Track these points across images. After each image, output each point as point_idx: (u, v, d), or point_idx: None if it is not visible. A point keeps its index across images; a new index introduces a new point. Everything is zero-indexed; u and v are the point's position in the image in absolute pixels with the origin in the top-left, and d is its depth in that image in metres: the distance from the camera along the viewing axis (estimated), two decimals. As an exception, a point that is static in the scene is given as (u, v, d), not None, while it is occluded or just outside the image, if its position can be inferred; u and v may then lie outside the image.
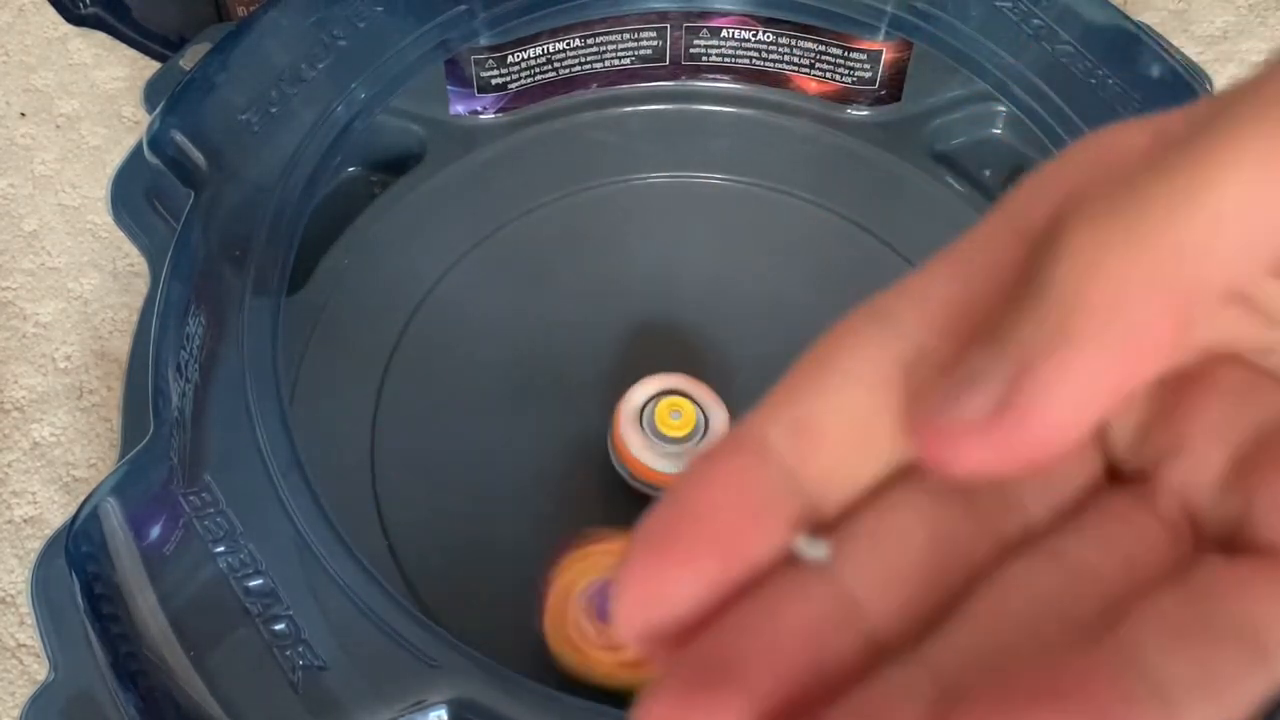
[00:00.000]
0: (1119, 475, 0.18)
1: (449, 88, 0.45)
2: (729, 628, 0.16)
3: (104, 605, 0.33)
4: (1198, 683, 0.15)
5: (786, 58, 0.46)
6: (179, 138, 0.40)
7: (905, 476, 0.17)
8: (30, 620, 0.34)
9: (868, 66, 0.45)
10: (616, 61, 0.46)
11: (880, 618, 0.16)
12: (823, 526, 0.17)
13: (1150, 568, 0.17)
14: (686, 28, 0.45)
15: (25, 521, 0.40)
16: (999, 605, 0.17)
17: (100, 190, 0.46)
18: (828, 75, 0.46)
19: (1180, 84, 0.42)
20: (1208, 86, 0.43)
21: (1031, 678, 0.15)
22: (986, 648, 0.16)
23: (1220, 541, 0.17)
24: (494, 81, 0.45)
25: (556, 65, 0.45)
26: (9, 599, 0.39)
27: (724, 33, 0.46)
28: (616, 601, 0.16)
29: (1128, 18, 0.44)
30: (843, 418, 0.17)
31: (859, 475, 0.17)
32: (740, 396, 0.38)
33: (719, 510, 0.16)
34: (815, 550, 0.16)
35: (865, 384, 0.17)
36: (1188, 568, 0.17)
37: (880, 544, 0.17)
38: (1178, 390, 0.18)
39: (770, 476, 0.16)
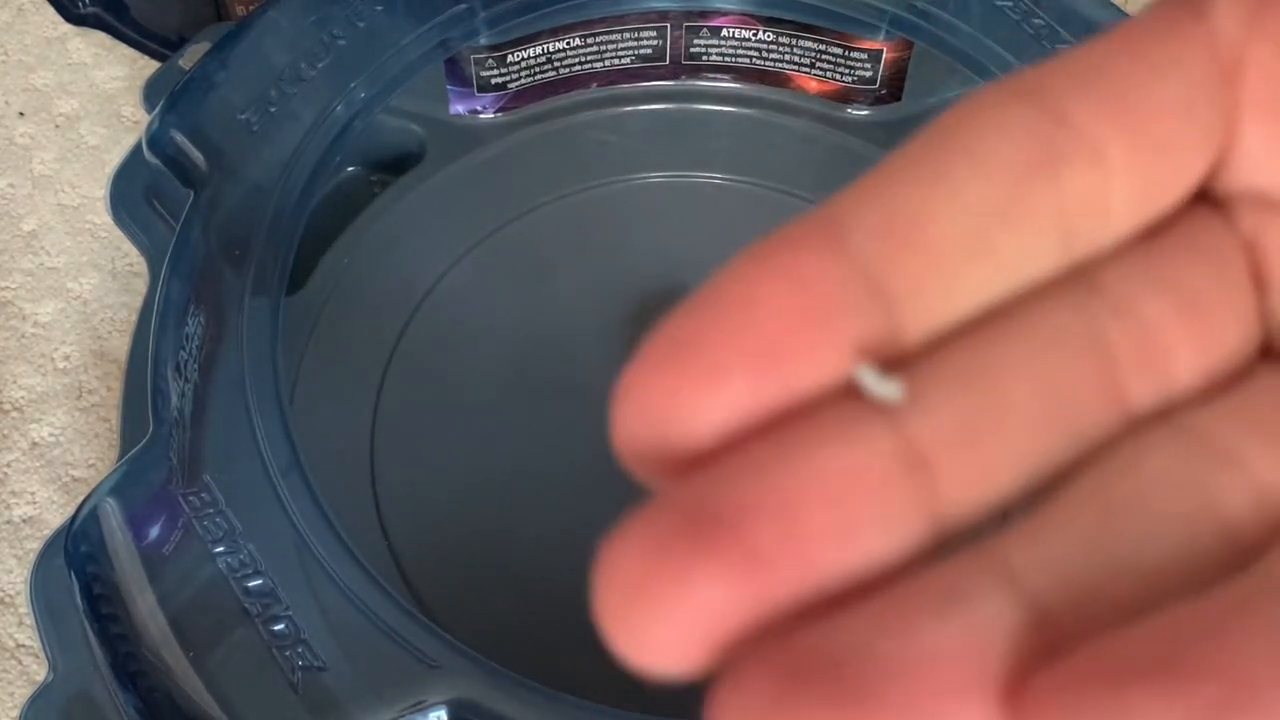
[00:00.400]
0: (1276, 355, 0.14)
1: (449, 87, 0.45)
2: (743, 465, 0.12)
3: (103, 605, 0.32)
4: None
5: (787, 57, 0.46)
6: (178, 137, 0.40)
7: (1023, 306, 0.13)
8: (29, 621, 0.34)
9: (868, 66, 0.45)
10: (616, 61, 0.46)
11: (952, 487, 0.12)
12: (901, 359, 0.13)
13: None
14: (687, 27, 0.45)
15: (24, 521, 0.40)
16: (1117, 496, 0.12)
17: (99, 190, 0.46)
18: (828, 75, 0.46)
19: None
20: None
21: (1151, 642, 0.11)
22: (1092, 557, 0.12)
23: None
24: (494, 81, 0.45)
25: (556, 65, 0.45)
26: (8, 599, 0.39)
27: (724, 32, 0.46)
28: (616, 415, 0.12)
29: (1129, 17, 0.44)
30: (956, 215, 0.12)
31: (963, 297, 0.13)
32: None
33: (764, 313, 0.12)
34: (883, 387, 0.12)
35: (995, 173, 0.12)
36: None
37: (969, 390, 0.12)
38: None
39: (841, 279, 0.12)
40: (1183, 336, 0.13)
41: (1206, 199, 0.14)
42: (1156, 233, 0.14)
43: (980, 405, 0.12)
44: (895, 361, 0.12)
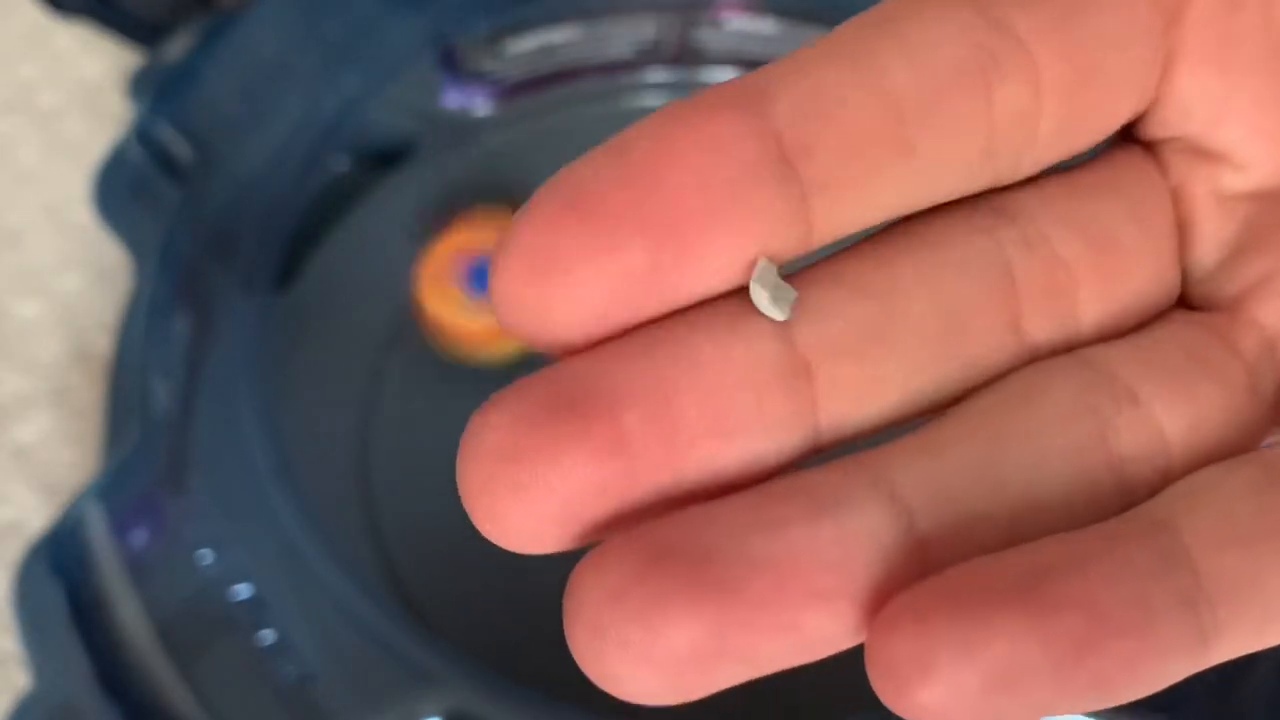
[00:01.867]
0: (1194, 305, 0.14)
1: (443, 79, 0.44)
2: (625, 349, 0.11)
3: (87, 613, 0.32)
4: (1247, 599, 0.11)
5: (791, 48, 0.45)
6: (165, 131, 0.40)
7: (933, 224, 0.13)
8: (12, 628, 0.34)
9: (874, 57, 0.45)
10: (617, 52, 0.46)
11: (834, 400, 0.12)
12: (804, 254, 0.12)
13: (1216, 426, 0.12)
14: (688, 18, 0.45)
15: (6, 526, 0.40)
16: (1009, 422, 0.12)
17: (84, 185, 0.46)
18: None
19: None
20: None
21: (1018, 569, 0.10)
22: (977, 480, 0.12)
23: None
24: (490, 73, 0.45)
25: (554, 56, 0.45)
26: (-11, 606, 0.38)
27: (726, 23, 0.45)
28: (495, 273, 0.12)
29: None
30: (880, 101, 0.12)
31: (876, 197, 0.12)
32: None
33: (672, 180, 0.11)
34: (773, 308, 0.12)
35: (926, 66, 0.12)
36: (1265, 435, 0.13)
37: (865, 302, 0.12)
38: None
39: (756, 153, 0.11)
40: (1092, 275, 0.13)
41: (1140, 142, 0.14)
42: (1084, 168, 0.14)
43: (873, 319, 0.12)
44: (798, 255, 0.12)
